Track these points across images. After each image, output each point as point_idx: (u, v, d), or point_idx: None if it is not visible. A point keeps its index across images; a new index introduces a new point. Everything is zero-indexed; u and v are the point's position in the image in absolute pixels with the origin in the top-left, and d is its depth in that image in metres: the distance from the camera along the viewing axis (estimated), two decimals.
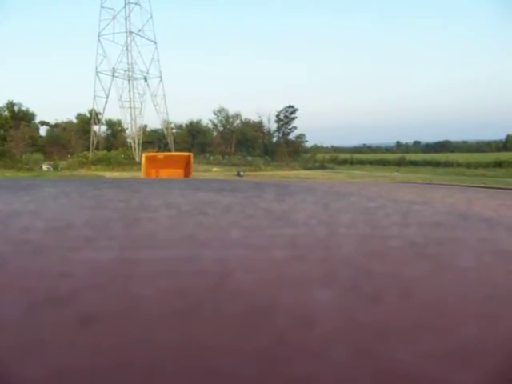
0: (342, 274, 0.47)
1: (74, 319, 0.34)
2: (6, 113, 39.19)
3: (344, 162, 44.15)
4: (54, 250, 0.56)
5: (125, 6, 33.99)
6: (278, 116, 51.82)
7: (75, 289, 0.41)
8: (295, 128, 53.38)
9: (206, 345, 0.30)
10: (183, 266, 0.49)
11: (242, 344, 0.30)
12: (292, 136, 53.23)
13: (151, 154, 13.27)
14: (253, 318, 0.35)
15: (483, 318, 0.37)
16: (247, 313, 0.36)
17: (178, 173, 11.25)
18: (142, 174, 11.14)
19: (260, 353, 0.29)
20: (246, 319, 0.35)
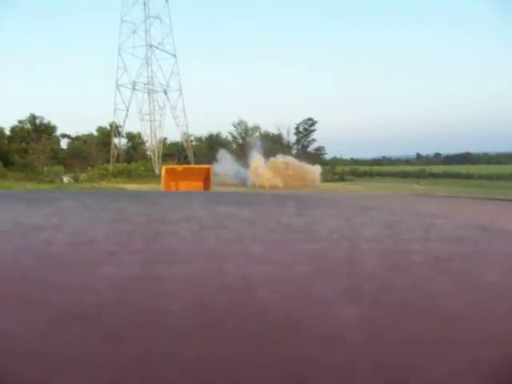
0: (366, 290, 0.47)
1: (98, 334, 0.34)
2: (28, 126, 39.60)
3: (363, 174, 43.92)
4: (76, 264, 0.56)
5: (145, 20, 34.28)
6: (297, 128, 51.94)
7: (97, 304, 0.41)
8: (314, 140, 53.40)
9: (229, 361, 0.30)
10: (206, 281, 0.49)
11: (266, 361, 0.30)
12: (311, 148, 53.25)
13: (171, 166, 13.28)
14: (276, 334, 0.35)
15: (509, 334, 0.36)
16: (271, 329, 0.36)
17: (198, 185, 11.26)
18: (161, 187, 11.15)
19: (284, 370, 0.29)
20: (270, 336, 0.34)
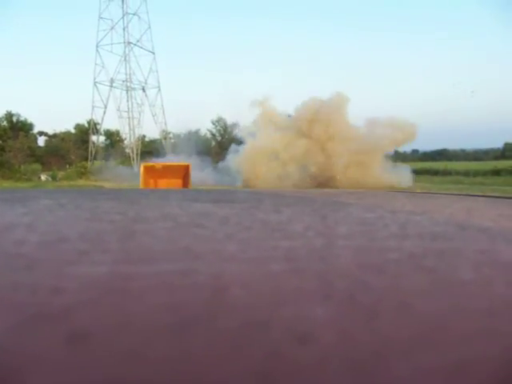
0: (339, 288, 0.47)
1: (66, 335, 0.33)
2: (5, 123, 39.01)
3: None
4: (46, 263, 0.55)
5: (123, 17, 33.94)
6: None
7: (67, 304, 0.41)
8: None
9: (199, 360, 0.29)
10: (178, 280, 0.48)
11: (237, 359, 0.30)
12: None
13: (149, 164, 13.14)
14: (247, 333, 0.34)
15: (482, 333, 0.36)
16: (242, 328, 0.35)
17: (177, 183, 11.17)
18: (140, 185, 11.04)
19: (255, 368, 0.28)
20: (241, 334, 0.34)
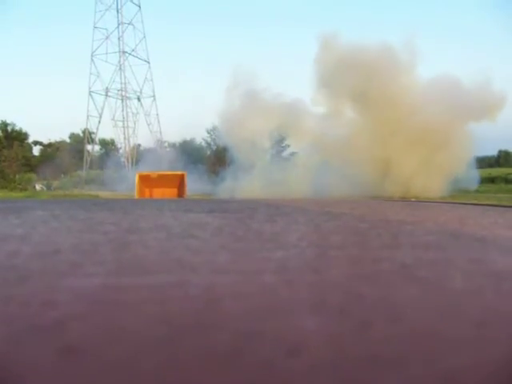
0: (331, 300, 0.47)
1: (59, 347, 0.33)
2: (0, 133, 38.94)
3: None
4: (39, 275, 0.55)
5: (118, 26, 33.90)
6: (270, 134, 51.52)
7: (60, 317, 0.41)
8: (288, 146, 52.90)
9: (191, 371, 0.30)
10: (170, 292, 0.49)
11: (228, 370, 0.30)
12: (285, 154, 52.84)
13: (145, 172, 13.06)
14: (239, 344, 0.34)
15: (473, 343, 0.36)
16: (233, 339, 0.35)
17: (172, 192, 11.11)
18: (135, 194, 10.96)
19: (246, 379, 0.28)
20: (232, 346, 0.34)
